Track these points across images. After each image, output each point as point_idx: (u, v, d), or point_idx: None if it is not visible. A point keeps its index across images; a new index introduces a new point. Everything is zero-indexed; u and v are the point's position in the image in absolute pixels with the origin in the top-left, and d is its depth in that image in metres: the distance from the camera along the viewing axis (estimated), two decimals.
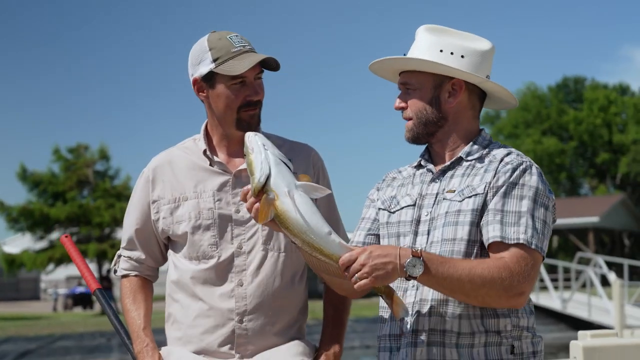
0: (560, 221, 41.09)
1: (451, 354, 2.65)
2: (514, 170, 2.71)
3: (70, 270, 43.76)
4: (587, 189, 63.17)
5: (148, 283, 3.27)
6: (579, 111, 61.30)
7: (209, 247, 3.07)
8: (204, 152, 3.14)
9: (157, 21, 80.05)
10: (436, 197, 2.79)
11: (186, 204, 3.11)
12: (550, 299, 25.75)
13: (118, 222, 34.49)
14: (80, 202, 36.04)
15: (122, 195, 35.42)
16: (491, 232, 2.64)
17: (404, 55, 2.82)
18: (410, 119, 2.83)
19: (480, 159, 2.80)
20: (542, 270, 25.36)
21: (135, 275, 3.24)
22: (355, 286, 2.52)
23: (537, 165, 2.77)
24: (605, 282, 25.25)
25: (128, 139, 76.33)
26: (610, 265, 29.29)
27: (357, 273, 2.49)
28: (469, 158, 2.81)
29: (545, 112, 61.21)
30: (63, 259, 35.11)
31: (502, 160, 2.76)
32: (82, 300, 42.08)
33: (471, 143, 2.83)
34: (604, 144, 60.31)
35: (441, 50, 2.79)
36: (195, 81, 3.07)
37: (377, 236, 2.91)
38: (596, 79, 67.30)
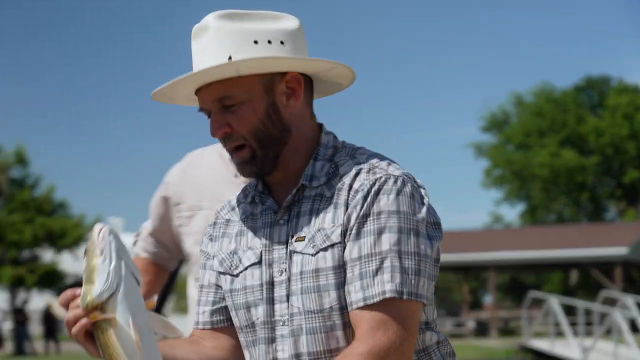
0: (582, 252, 39.21)
1: None
2: (364, 198, 2.20)
3: None
4: (613, 213, 59.60)
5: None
6: (601, 119, 56.77)
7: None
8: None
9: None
10: (286, 247, 2.25)
11: (200, 214, 3.13)
12: (568, 347, 23.94)
13: (39, 241, 30.64)
14: None
15: (44, 210, 31.39)
16: (353, 296, 2.16)
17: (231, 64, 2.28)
18: (241, 146, 2.26)
19: (329, 184, 2.26)
20: (559, 312, 23.98)
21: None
22: None
23: (402, 176, 2.20)
24: (635, 327, 23.59)
25: (51, 140, 68.58)
26: None
27: None
28: (315, 184, 2.26)
29: (561, 119, 56.54)
30: None
31: (351, 187, 2.23)
32: None
33: (312, 160, 2.30)
34: (632, 160, 56.19)
35: (256, 42, 2.28)
36: None
37: (227, 309, 2.39)
38: (624, 80, 61.72)
